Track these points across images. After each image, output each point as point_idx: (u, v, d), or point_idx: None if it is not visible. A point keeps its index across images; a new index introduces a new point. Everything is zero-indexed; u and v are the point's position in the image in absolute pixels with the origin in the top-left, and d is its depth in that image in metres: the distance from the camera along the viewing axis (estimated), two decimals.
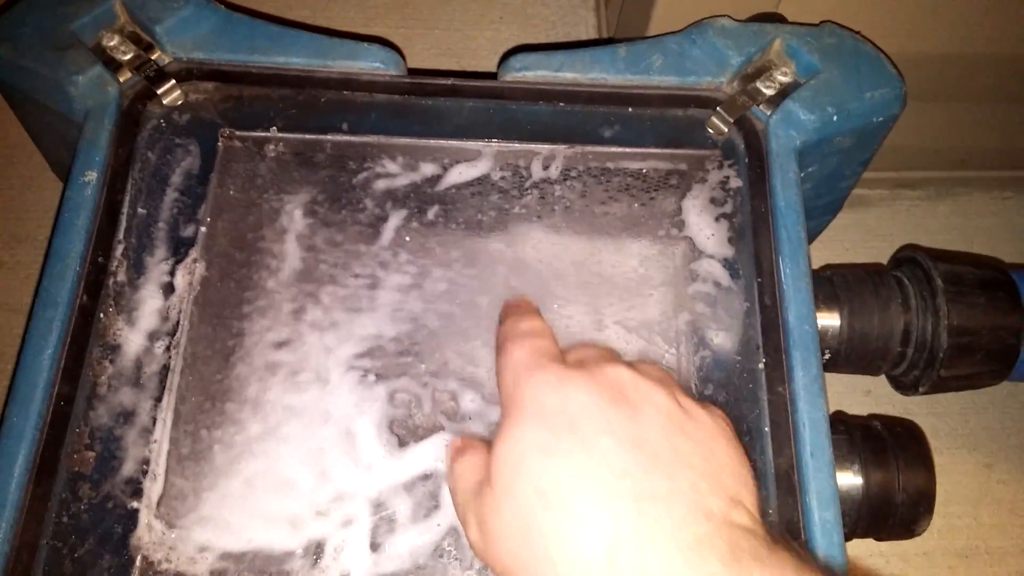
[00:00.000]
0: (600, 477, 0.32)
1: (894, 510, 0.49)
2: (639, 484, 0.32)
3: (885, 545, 0.71)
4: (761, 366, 0.47)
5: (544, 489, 0.33)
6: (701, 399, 0.46)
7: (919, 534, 0.51)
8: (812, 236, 0.67)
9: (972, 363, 0.53)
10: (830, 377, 0.74)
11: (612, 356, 0.39)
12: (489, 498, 0.35)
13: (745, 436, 0.45)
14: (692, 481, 0.33)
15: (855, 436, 0.50)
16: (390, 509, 0.44)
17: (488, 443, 0.38)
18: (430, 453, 0.45)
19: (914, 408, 0.75)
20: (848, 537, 0.51)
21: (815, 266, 0.62)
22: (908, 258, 0.56)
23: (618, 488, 0.32)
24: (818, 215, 0.62)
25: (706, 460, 0.34)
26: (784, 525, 0.43)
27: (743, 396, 0.46)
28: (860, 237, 0.81)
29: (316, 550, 0.42)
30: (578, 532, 0.32)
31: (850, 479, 0.49)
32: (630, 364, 0.37)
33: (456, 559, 0.43)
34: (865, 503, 0.49)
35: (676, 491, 0.32)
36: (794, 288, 0.48)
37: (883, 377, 0.63)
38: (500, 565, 0.35)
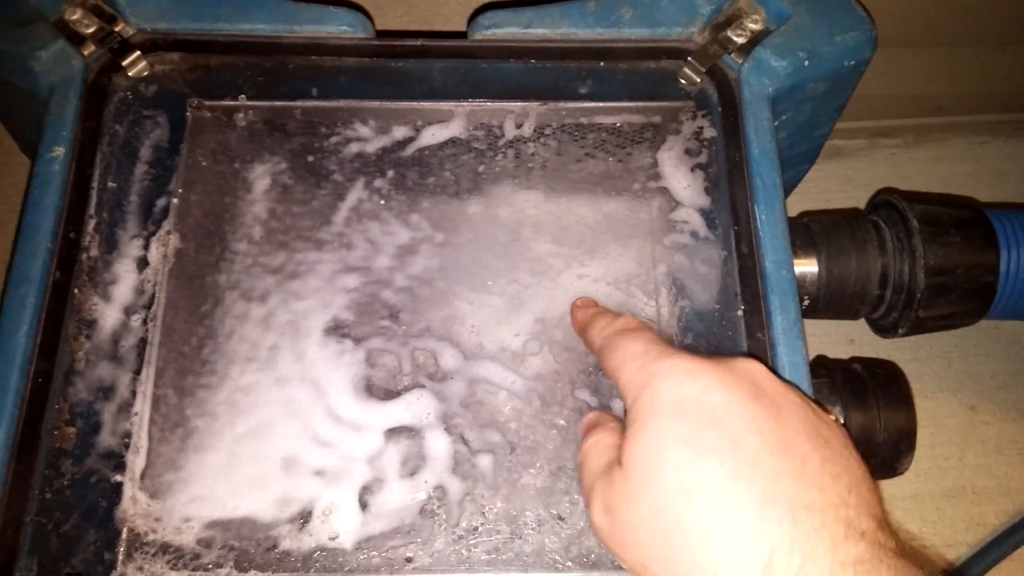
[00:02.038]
0: (752, 479, 0.31)
1: (877, 450, 0.49)
2: (791, 490, 0.30)
3: None
4: (740, 313, 0.47)
5: (689, 485, 0.31)
6: (682, 348, 0.47)
7: (902, 472, 0.51)
8: (790, 186, 0.67)
9: (950, 302, 0.53)
10: (812, 325, 0.74)
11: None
12: (622, 485, 0.33)
13: None
14: (840, 494, 0.31)
15: (836, 379, 0.51)
16: (376, 470, 0.44)
17: (620, 422, 0.37)
18: (413, 412, 0.45)
19: (897, 354, 0.75)
20: None
21: (794, 216, 0.63)
22: (884, 201, 0.56)
23: (772, 493, 0.30)
24: (795, 164, 0.62)
25: (848, 472, 0.32)
26: None
27: (723, 344, 0.47)
28: (839, 187, 0.81)
29: (303, 514, 0.43)
30: (729, 536, 0.30)
31: None
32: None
33: (442, 517, 0.43)
34: None
35: (828, 503, 0.30)
36: (770, 235, 0.48)
37: (867, 326, 0.63)
38: (629, 556, 0.34)
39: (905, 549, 0.31)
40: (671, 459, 0.32)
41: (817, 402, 0.37)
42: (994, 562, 0.68)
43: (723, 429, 0.32)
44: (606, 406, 0.45)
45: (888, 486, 0.72)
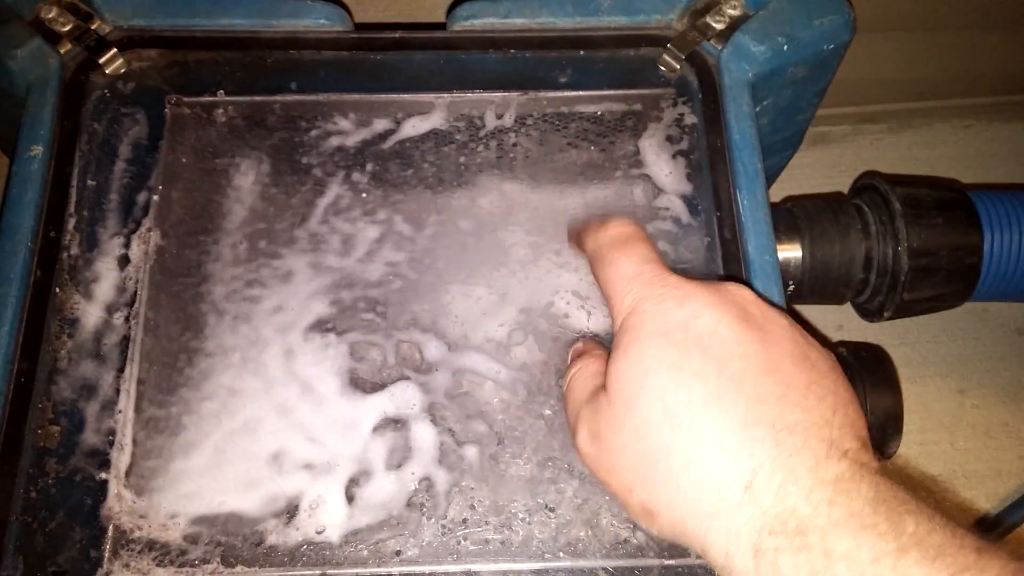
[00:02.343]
0: (734, 401, 0.31)
1: None
2: (774, 412, 0.31)
3: None
4: None
5: (673, 408, 0.31)
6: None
7: (890, 456, 0.51)
8: (774, 173, 0.67)
9: (934, 284, 0.53)
10: (800, 310, 0.75)
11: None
12: (607, 411, 0.34)
13: None
14: (825, 415, 0.31)
15: None
16: (362, 463, 0.44)
17: (606, 351, 0.37)
18: (398, 404, 0.45)
19: (886, 339, 0.75)
20: None
21: (778, 201, 0.62)
22: (867, 185, 0.56)
23: (755, 415, 0.31)
24: (778, 151, 0.62)
25: (834, 394, 0.32)
26: None
27: None
28: (824, 173, 0.82)
29: (290, 508, 0.42)
30: (712, 458, 0.30)
31: None
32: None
33: (430, 509, 0.43)
34: None
35: (811, 424, 0.31)
36: (753, 220, 0.48)
37: (855, 312, 0.63)
38: (614, 481, 0.34)
39: (887, 469, 0.31)
40: (655, 382, 0.32)
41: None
42: None
43: (708, 353, 0.32)
44: None
45: None
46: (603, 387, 0.35)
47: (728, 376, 0.32)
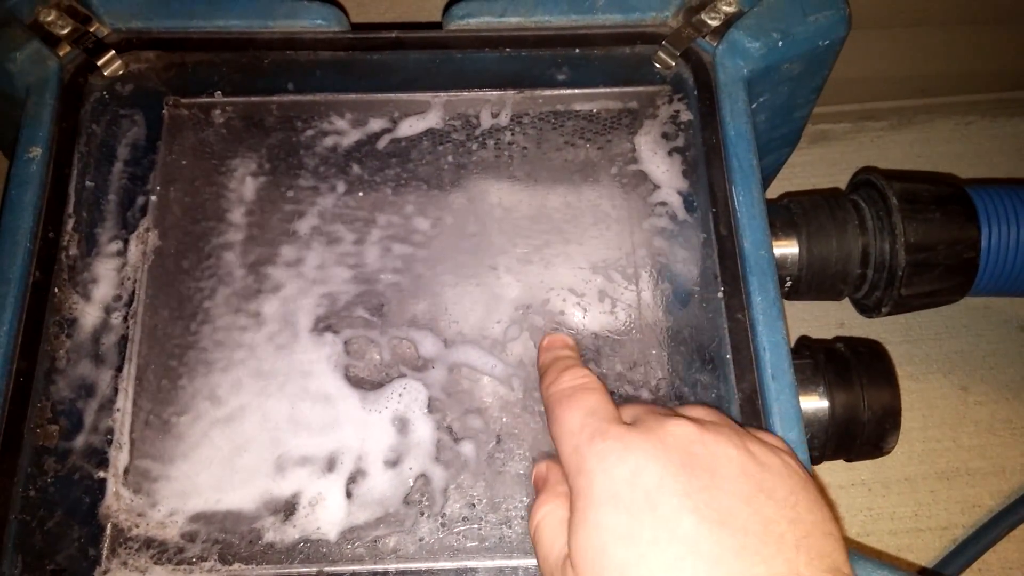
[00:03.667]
0: (693, 568, 0.31)
1: (861, 429, 0.49)
2: (734, 571, 0.31)
3: (867, 472, 0.72)
4: (720, 295, 0.47)
5: None
6: (666, 333, 0.47)
7: (887, 452, 0.51)
8: (773, 171, 0.67)
9: (932, 279, 0.53)
10: (802, 309, 0.75)
11: (668, 411, 0.37)
12: None
13: (708, 365, 0.46)
14: (787, 558, 0.31)
15: (819, 359, 0.51)
16: (360, 460, 0.44)
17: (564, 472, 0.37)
18: (396, 401, 0.45)
19: (888, 336, 0.75)
20: (818, 460, 0.51)
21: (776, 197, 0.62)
22: (864, 181, 0.56)
23: None
24: (776, 148, 0.62)
25: (794, 525, 0.32)
26: None
27: (704, 326, 0.47)
28: (825, 171, 0.82)
29: (287, 506, 0.43)
30: None
31: (816, 402, 0.49)
32: (688, 417, 0.36)
33: (427, 505, 0.43)
34: (832, 424, 0.49)
35: (773, 575, 0.31)
36: (748, 215, 0.48)
37: (856, 310, 0.63)
38: None
39: None
40: (614, 557, 0.32)
41: (761, 429, 0.37)
42: (966, 565, 0.68)
43: (659, 514, 0.32)
44: None
45: (882, 469, 0.72)
46: (571, 557, 0.34)
47: (682, 538, 0.31)
